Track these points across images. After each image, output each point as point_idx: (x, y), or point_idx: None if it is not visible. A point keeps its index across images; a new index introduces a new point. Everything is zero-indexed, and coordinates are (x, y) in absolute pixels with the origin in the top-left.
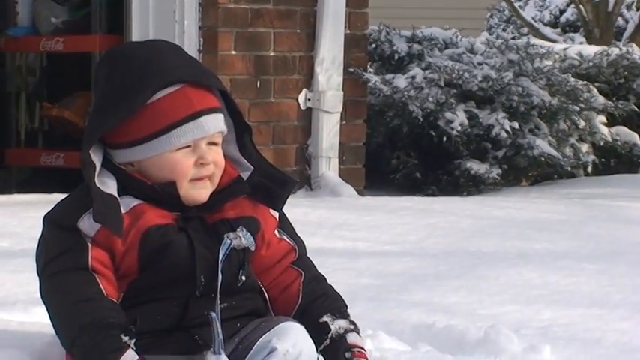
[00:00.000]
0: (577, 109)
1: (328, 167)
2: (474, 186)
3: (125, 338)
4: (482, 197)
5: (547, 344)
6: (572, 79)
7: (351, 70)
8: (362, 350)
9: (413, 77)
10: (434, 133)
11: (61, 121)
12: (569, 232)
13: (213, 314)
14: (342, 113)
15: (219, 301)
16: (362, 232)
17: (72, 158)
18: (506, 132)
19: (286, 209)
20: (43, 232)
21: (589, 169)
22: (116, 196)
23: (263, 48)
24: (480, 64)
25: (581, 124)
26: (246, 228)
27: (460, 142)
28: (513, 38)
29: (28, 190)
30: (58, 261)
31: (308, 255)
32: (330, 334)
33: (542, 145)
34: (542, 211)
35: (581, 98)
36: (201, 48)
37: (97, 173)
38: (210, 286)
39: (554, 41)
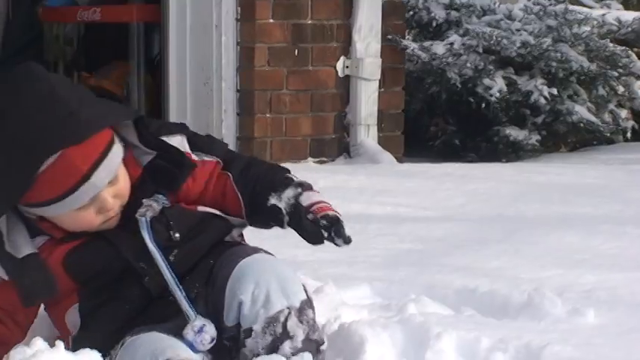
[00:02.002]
0: (616, 74)
1: (367, 134)
2: (512, 152)
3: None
4: (521, 163)
5: (591, 308)
6: (611, 44)
7: (389, 37)
8: (319, 204)
9: (451, 44)
10: (472, 100)
11: (100, 90)
12: (610, 196)
13: (173, 287)
14: (380, 81)
15: (172, 275)
16: (402, 198)
17: None
18: (545, 98)
19: (326, 177)
20: None
21: (628, 135)
22: (32, 250)
23: (301, 16)
24: (518, 30)
25: (620, 89)
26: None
27: (499, 108)
28: (551, 4)
29: None
30: None
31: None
32: (283, 212)
33: (581, 111)
34: (582, 177)
35: (619, 64)
36: (239, 16)
37: (5, 237)
38: (153, 264)
39: (591, 7)
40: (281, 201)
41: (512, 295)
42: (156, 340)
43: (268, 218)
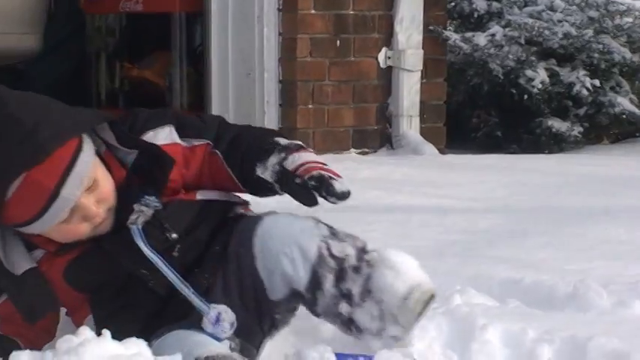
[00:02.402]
0: None
1: (409, 126)
2: (555, 144)
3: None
4: (564, 155)
5: (636, 299)
6: None
7: (431, 28)
8: (306, 165)
9: (493, 35)
10: (514, 91)
11: (142, 81)
12: None
13: (180, 286)
14: (422, 72)
15: (176, 275)
16: (446, 189)
17: None
18: (588, 90)
19: (369, 168)
20: None
21: None
22: (31, 265)
23: (343, 7)
24: (559, 21)
25: None
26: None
27: (541, 100)
28: None
29: None
30: None
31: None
32: (271, 181)
33: (624, 103)
34: (626, 168)
35: None
36: (281, 7)
37: (1, 257)
38: (155, 269)
39: None
40: (266, 170)
41: (558, 286)
42: (181, 338)
43: (261, 189)
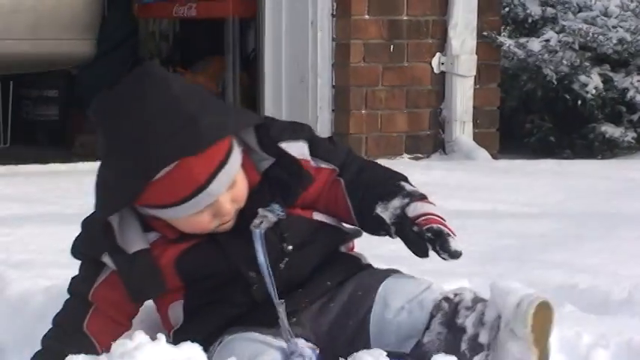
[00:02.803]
0: None
1: (462, 131)
2: (608, 150)
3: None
4: (617, 160)
5: None
6: None
7: (485, 33)
8: (427, 216)
9: (547, 40)
10: (568, 97)
11: None
12: None
13: (277, 302)
14: (475, 77)
15: (275, 290)
16: (500, 194)
17: None
18: None
19: (422, 173)
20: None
21: None
22: (144, 246)
23: (396, 12)
24: (614, 27)
25: None
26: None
27: (595, 105)
28: None
29: None
30: (73, 280)
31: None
32: (388, 222)
33: None
34: None
35: None
36: (335, 12)
37: (116, 231)
38: (263, 275)
39: None
40: (386, 210)
41: (613, 291)
42: (254, 342)
43: (375, 227)
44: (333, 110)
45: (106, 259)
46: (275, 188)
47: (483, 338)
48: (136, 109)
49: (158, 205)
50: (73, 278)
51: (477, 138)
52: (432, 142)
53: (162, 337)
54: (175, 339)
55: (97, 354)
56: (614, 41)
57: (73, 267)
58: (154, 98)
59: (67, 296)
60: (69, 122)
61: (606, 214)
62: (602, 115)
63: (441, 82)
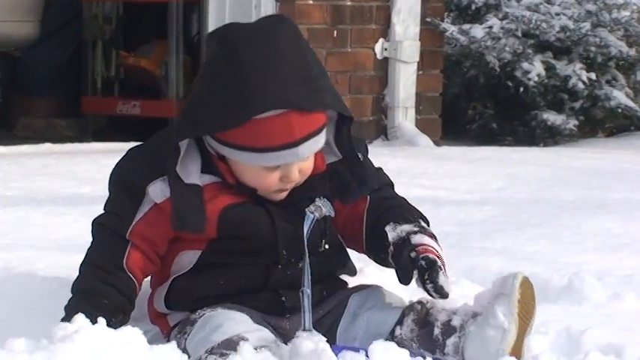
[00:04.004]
0: None
1: (405, 117)
2: (550, 137)
3: (100, 318)
4: (559, 148)
5: (631, 292)
6: None
7: (428, 20)
8: (427, 247)
9: (490, 27)
10: (511, 84)
11: (138, 69)
12: None
13: (305, 290)
14: (418, 63)
15: (309, 277)
16: (442, 180)
17: (149, 107)
18: (584, 83)
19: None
20: (110, 182)
21: None
22: (198, 183)
23: None
24: (557, 14)
25: None
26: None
27: (537, 92)
28: None
29: (104, 139)
30: (107, 217)
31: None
32: (391, 242)
33: (620, 97)
34: (621, 162)
35: None
36: None
37: (180, 158)
38: (291, 258)
39: None
40: (393, 231)
41: (552, 279)
42: (245, 322)
43: (376, 246)
44: None
45: (153, 187)
46: (335, 185)
47: (456, 322)
48: (267, 45)
49: (243, 146)
50: (101, 217)
51: (420, 124)
52: (375, 127)
53: (102, 321)
54: (174, 285)
55: (136, 292)
56: (557, 29)
57: (15, 249)
58: (286, 43)
59: (7, 279)
60: (11, 104)
61: (547, 201)
62: (545, 103)
63: (384, 67)
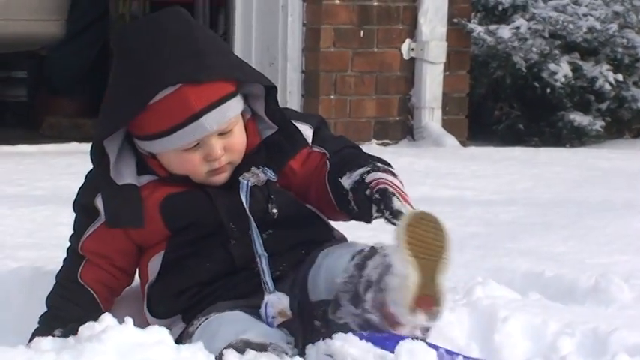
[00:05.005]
0: None
1: (431, 118)
2: (576, 138)
3: (57, 333)
4: (585, 149)
5: None
6: None
7: (455, 20)
8: (379, 180)
9: (517, 28)
10: (537, 85)
11: None
12: None
13: (262, 254)
14: (445, 64)
15: (260, 241)
16: (468, 181)
17: None
18: (610, 84)
19: (390, 159)
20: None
21: None
22: (134, 182)
23: None
24: (584, 15)
25: None
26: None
27: (563, 93)
28: None
29: None
30: (71, 236)
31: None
32: (349, 188)
33: None
34: None
35: None
36: None
37: (112, 163)
38: (243, 230)
39: None
40: (349, 179)
41: (579, 279)
42: (240, 319)
43: (342, 200)
44: (302, 95)
45: (98, 201)
46: (271, 154)
47: (374, 274)
48: (150, 32)
49: (151, 135)
50: (70, 236)
51: (446, 125)
52: (401, 128)
53: (129, 320)
54: (150, 293)
55: (95, 302)
56: (584, 30)
57: (42, 248)
58: (170, 27)
59: (35, 278)
60: (37, 103)
61: (573, 202)
62: (571, 104)
63: (410, 68)
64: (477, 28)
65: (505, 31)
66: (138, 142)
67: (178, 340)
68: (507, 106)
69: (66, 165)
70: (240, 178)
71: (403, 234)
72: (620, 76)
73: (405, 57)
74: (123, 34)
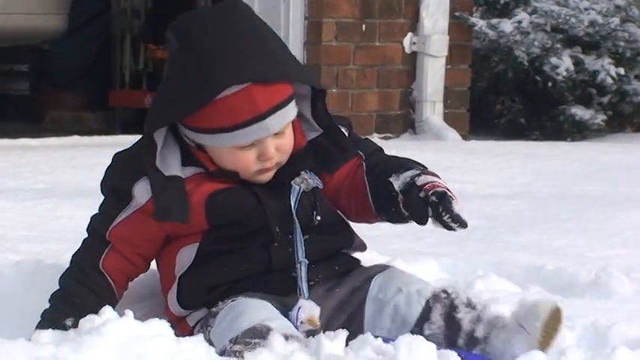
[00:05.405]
0: None
1: (433, 111)
2: (578, 132)
3: (68, 322)
4: (587, 143)
5: None
6: None
7: (457, 14)
8: (433, 183)
9: (519, 22)
10: (539, 78)
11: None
12: None
13: (303, 261)
14: (447, 57)
15: (302, 247)
16: (469, 175)
17: None
18: (612, 78)
19: (392, 153)
20: (100, 187)
21: None
22: (179, 174)
23: None
24: (586, 9)
25: None
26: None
27: (565, 87)
28: None
29: (132, 132)
30: (95, 217)
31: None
32: (399, 190)
33: None
34: None
35: None
36: None
37: (158, 152)
38: (286, 234)
39: None
40: (398, 180)
41: (580, 273)
42: (268, 309)
43: (385, 201)
44: None
45: (137, 187)
46: (318, 157)
47: (479, 333)
48: (219, 26)
49: (210, 129)
50: (92, 217)
51: (447, 118)
52: (403, 121)
53: (129, 313)
54: (180, 282)
55: (112, 292)
56: (586, 23)
57: (44, 242)
58: (238, 22)
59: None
60: (40, 97)
61: (575, 196)
62: (573, 98)
63: (412, 62)
64: (479, 22)
65: (507, 25)
66: (189, 134)
67: (198, 323)
68: (509, 99)
69: (68, 158)
70: (292, 183)
71: (539, 334)
72: (621, 70)
73: (407, 51)
74: (187, 26)
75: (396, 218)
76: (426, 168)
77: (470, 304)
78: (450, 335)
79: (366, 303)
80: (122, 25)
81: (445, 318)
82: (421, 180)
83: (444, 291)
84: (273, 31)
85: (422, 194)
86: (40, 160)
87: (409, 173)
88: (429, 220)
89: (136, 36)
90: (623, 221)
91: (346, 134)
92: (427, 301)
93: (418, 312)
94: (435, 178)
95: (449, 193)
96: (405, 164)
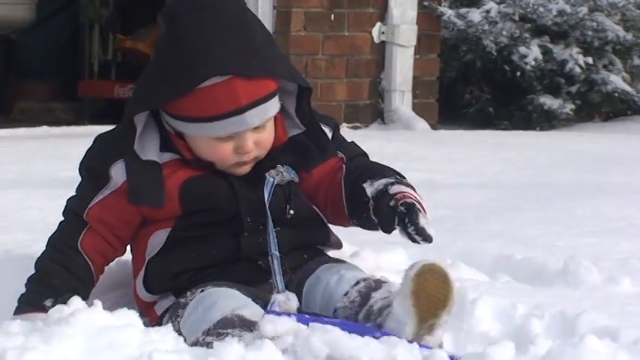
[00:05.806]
0: None
1: (401, 101)
2: (546, 121)
3: (47, 303)
4: (555, 132)
5: (626, 276)
6: None
7: (426, 3)
8: (405, 193)
9: (487, 11)
10: (507, 68)
11: (135, 53)
12: None
13: (274, 254)
14: (415, 47)
15: (275, 240)
16: (438, 164)
17: None
18: (580, 67)
19: (360, 142)
20: (78, 169)
21: None
22: (156, 159)
23: None
24: None
25: None
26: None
27: (533, 76)
28: None
29: (101, 122)
30: (72, 199)
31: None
32: (371, 196)
33: (616, 81)
34: (617, 146)
35: None
36: None
37: (137, 136)
38: (258, 225)
39: None
40: (371, 187)
41: (548, 262)
42: (238, 296)
43: (358, 206)
44: None
45: (114, 169)
46: (297, 154)
47: (377, 305)
48: (209, 16)
49: (191, 117)
50: (69, 199)
51: (416, 108)
52: (371, 111)
53: (98, 303)
54: (148, 266)
55: (90, 273)
56: (554, 13)
57: (12, 232)
58: (228, 14)
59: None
60: (8, 88)
61: (543, 185)
62: (541, 87)
63: (381, 51)
64: (448, 12)
65: (475, 15)
66: (170, 120)
67: (166, 312)
68: (477, 89)
69: (37, 149)
70: (267, 175)
71: (410, 283)
72: (590, 60)
73: (376, 40)
74: (178, 12)
75: (366, 224)
76: (404, 178)
77: (390, 291)
78: (358, 311)
79: (307, 279)
80: (91, 15)
81: (362, 295)
82: (394, 189)
83: (377, 279)
84: (263, 26)
85: (392, 203)
86: (9, 150)
87: (383, 181)
88: (395, 229)
89: (104, 26)
90: (591, 210)
91: (329, 134)
92: (356, 283)
93: (345, 290)
94: (409, 189)
95: (418, 205)
96: (383, 172)
